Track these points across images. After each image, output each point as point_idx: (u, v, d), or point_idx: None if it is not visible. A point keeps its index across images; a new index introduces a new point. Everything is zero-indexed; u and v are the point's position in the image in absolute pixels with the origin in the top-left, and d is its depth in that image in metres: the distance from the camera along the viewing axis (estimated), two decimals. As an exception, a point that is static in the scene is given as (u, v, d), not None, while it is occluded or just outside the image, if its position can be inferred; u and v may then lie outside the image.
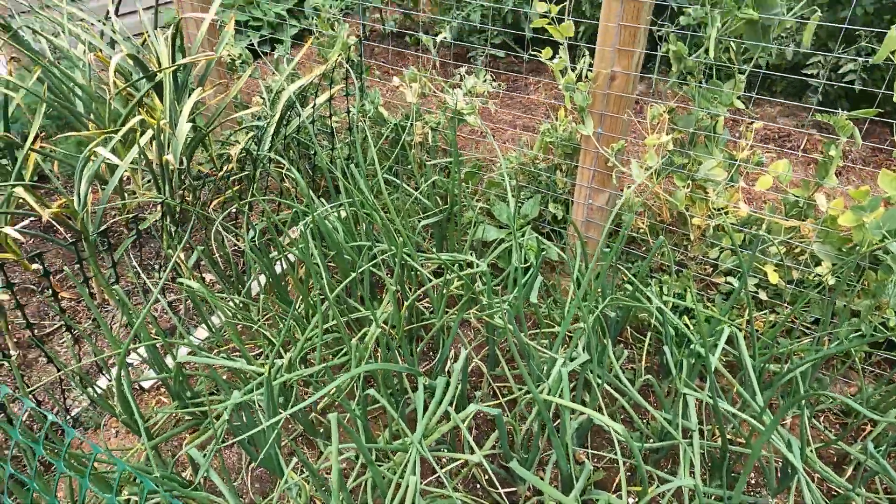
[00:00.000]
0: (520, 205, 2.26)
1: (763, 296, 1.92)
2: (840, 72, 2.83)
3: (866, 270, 1.71)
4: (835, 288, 1.79)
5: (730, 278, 1.98)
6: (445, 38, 2.72)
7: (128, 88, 2.24)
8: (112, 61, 1.85)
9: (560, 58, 1.85)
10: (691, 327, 1.87)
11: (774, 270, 1.85)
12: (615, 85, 1.84)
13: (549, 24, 1.92)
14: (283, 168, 2.35)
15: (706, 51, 1.62)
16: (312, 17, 2.55)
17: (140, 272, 2.02)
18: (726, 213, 1.91)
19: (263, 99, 2.45)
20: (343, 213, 2.00)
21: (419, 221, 2.19)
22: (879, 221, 1.53)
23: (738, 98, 1.72)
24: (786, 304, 1.89)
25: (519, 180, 2.32)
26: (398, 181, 2.17)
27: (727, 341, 1.75)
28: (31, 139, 2.03)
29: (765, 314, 1.90)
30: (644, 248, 2.17)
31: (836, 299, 1.78)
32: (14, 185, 1.72)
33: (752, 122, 1.88)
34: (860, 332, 1.71)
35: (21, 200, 1.90)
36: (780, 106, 3.25)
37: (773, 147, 2.96)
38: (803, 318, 1.89)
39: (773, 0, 1.52)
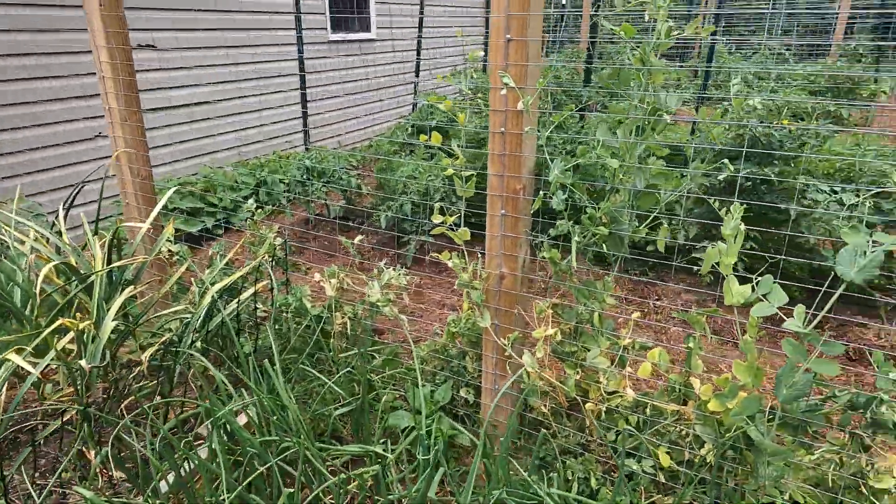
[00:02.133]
0: (434, 390, 2.36)
1: (661, 478, 1.99)
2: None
3: (744, 452, 1.82)
4: (722, 468, 1.88)
5: (630, 461, 2.05)
6: (380, 225, 3.01)
7: (64, 287, 2.37)
8: (42, 271, 2.00)
9: (455, 262, 2.08)
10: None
11: (667, 453, 1.95)
12: (505, 284, 2.06)
13: (449, 229, 2.19)
14: (208, 358, 2.43)
15: (579, 254, 1.87)
16: (274, 199, 2.81)
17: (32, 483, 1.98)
18: (620, 398, 2.05)
19: (195, 292, 2.61)
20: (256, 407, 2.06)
21: (335, 409, 2.26)
22: (739, 408, 1.68)
23: (614, 293, 1.95)
24: (681, 486, 1.96)
25: (434, 366, 2.44)
26: (312, 371, 2.27)
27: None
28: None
29: (661, 497, 1.96)
30: (552, 432, 2.25)
31: (723, 481, 1.86)
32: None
33: (633, 314, 2.09)
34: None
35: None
36: (683, 282, 3.57)
37: (676, 324, 3.20)
38: (701, 500, 1.95)
39: (621, 220, 1.81)
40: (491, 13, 1.78)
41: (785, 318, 1.53)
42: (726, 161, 1.78)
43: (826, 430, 1.89)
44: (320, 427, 2.39)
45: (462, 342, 2.33)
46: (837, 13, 9.63)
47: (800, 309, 1.51)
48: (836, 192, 2.81)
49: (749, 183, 3.12)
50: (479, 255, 2.19)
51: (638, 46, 1.70)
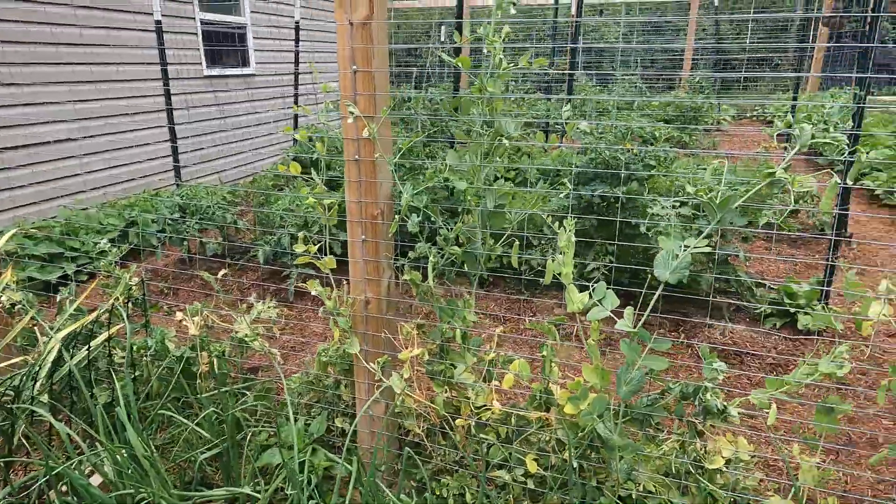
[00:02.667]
0: (309, 423, 2.31)
1: (531, 484, 2.07)
2: (588, 269, 3.42)
3: (601, 450, 1.94)
4: (584, 468, 1.99)
5: (502, 471, 2.12)
6: (258, 260, 2.92)
7: None
8: None
9: (318, 290, 2.08)
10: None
11: (534, 460, 2.04)
12: (371, 308, 2.08)
13: (315, 258, 2.19)
14: (60, 412, 2.23)
15: (432, 277, 1.94)
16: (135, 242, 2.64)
17: None
18: (489, 411, 2.11)
19: (43, 342, 2.39)
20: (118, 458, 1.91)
21: (202, 454, 2.15)
22: (589, 408, 1.80)
23: (476, 312, 2.03)
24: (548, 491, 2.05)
25: (310, 398, 2.40)
26: (177, 416, 2.15)
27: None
28: None
29: (530, 503, 2.03)
30: (427, 452, 2.28)
31: (586, 481, 1.97)
32: None
33: (497, 329, 2.19)
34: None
35: None
36: (555, 298, 3.78)
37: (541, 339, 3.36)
38: (568, 501, 2.05)
39: (474, 238, 1.90)
40: (337, 46, 1.83)
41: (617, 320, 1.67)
42: (566, 181, 1.94)
43: (672, 422, 2.07)
44: (188, 475, 2.26)
45: (335, 371, 2.31)
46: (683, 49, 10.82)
47: (628, 310, 1.66)
48: (675, 207, 3.13)
49: (604, 202, 3.39)
50: (346, 283, 2.20)
51: (477, 76, 1.82)
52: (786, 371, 3.17)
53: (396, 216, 1.89)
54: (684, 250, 1.62)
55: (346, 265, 2.06)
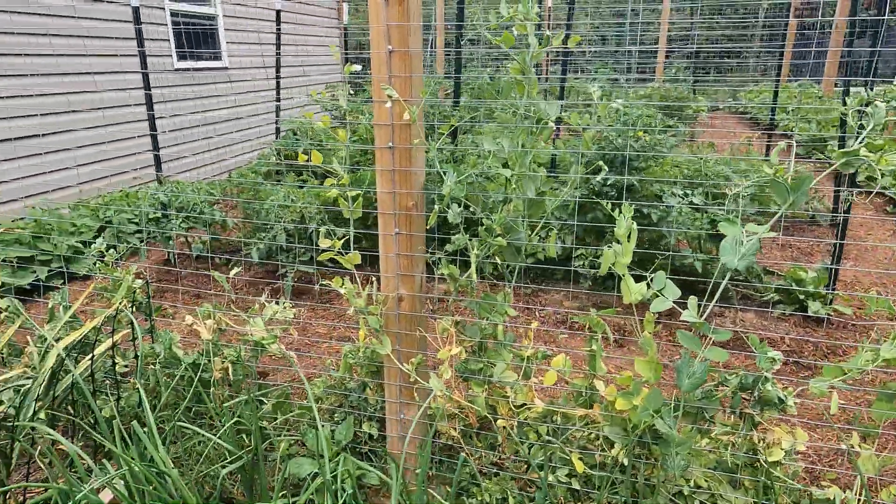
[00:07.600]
0: (334, 429, 2.18)
1: (576, 484, 1.98)
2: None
3: (651, 446, 1.86)
4: (633, 466, 1.92)
5: (546, 473, 2.03)
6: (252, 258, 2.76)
7: None
8: None
9: (348, 287, 1.95)
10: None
11: (579, 458, 1.95)
12: (403, 306, 1.96)
13: (338, 254, 2.05)
14: (57, 429, 2.04)
15: (475, 271, 1.83)
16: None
17: None
18: (528, 410, 2.02)
19: (34, 353, 2.19)
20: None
21: (223, 467, 1.99)
22: (645, 403, 1.71)
23: (512, 306, 1.92)
24: (596, 491, 1.96)
25: (331, 403, 2.26)
26: (192, 427, 1.99)
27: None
28: None
29: (580, 503, 1.95)
30: (463, 454, 2.17)
31: (635, 478, 1.89)
32: None
33: (531, 324, 2.09)
34: (661, 508, 1.81)
35: None
36: (564, 291, 3.71)
37: (564, 330, 3.29)
38: (615, 500, 1.97)
39: (516, 229, 1.79)
40: (370, 24, 1.70)
41: (678, 311, 1.59)
42: (601, 163, 1.85)
43: (715, 415, 2.00)
44: (205, 490, 2.10)
45: (360, 373, 2.18)
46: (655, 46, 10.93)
47: (692, 301, 1.58)
48: (687, 196, 3.08)
49: (613, 191, 3.33)
50: (371, 279, 2.07)
51: (504, 58, 1.71)
52: (799, 356, 3.16)
53: (436, 206, 1.77)
54: (748, 236, 1.54)
55: (367, 261, 1.93)
